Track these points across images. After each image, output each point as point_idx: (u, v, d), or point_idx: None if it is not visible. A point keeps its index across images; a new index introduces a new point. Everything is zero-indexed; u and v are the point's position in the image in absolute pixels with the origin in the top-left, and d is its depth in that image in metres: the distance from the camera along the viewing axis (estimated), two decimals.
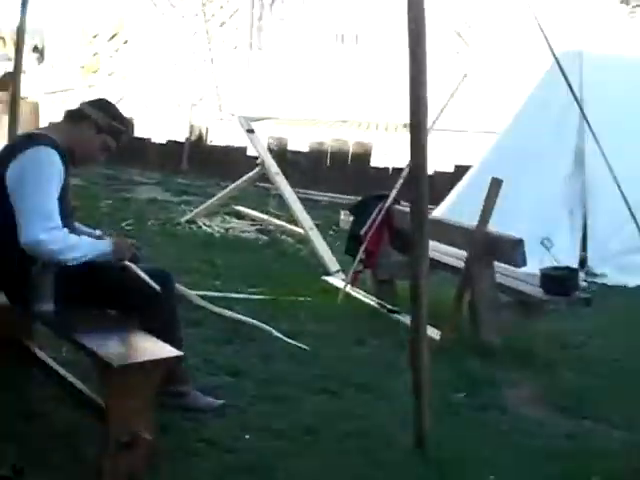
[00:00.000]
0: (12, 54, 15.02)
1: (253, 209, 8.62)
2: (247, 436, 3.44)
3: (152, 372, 2.92)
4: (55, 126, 3.65)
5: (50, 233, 3.17)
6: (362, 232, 5.80)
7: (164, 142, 10.93)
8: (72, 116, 3.53)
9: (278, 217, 8.32)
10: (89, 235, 3.52)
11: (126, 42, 16.65)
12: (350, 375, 4.24)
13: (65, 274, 3.30)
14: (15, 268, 3.31)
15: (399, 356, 4.22)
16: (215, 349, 4.47)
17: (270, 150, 10.22)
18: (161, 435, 3.30)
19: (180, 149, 10.74)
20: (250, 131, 8.02)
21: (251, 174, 8.13)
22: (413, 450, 3.38)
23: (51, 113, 11.51)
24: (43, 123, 11.44)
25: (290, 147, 10.51)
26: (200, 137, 10.80)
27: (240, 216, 8.44)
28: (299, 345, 4.63)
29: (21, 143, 3.38)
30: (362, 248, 5.76)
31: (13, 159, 3.29)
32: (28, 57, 15.03)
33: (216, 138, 10.86)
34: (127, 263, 3.44)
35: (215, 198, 8.34)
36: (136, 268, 3.41)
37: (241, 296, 5.57)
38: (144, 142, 10.88)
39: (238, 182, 8.32)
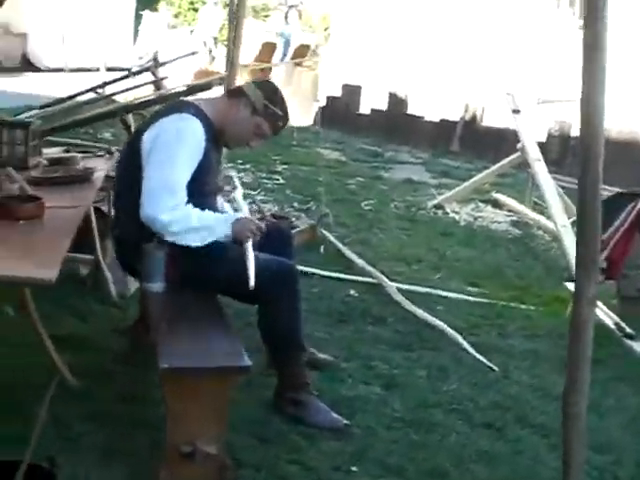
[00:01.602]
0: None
1: (515, 198, 7.75)
2: (354, 468, 2.84)
3: (214, 380, 2.43)
4: (211, 99, 3.37)
5: (171, 213, 2.88)
6: (605, 236, 4.81)
7: (437, 120, 10.34)
8: (231, 92, 3.23)
9: (539, 210, 7.38)
10: None
11: None
12: (528, 412, 3.42)
13: (181, 253, 2.97)
14: (132, 241, 3.03)
15: (610, 394, 3.39)
16: (383, 354, 3.89)
17: (551, 135, 9.25)
18: (257, 446, 2.84)
19: (453, 128, 10.08)
20: (516, 111, 7.19)
21: (510, 159, 7.29)
22: None
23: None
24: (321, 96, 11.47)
25: (574, 133, 9.35)
26: (474, 117, 10.05)
27: (497, 205, 7.62)
28: (487, 363, 3.87)
29: (166, 109, 3.13)
30: (603, 255, 4.77)
31: (153, 124, 3.03)
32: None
33: (493, 118, 10.02)
34: (247, 247, 3.00)
35: (468, 183, 7.62)
36: (250, 257, 2.94)
37: (450, 295, 4.89)
38: (416, 120, 10.38)
39: (494, 167, 7.53)
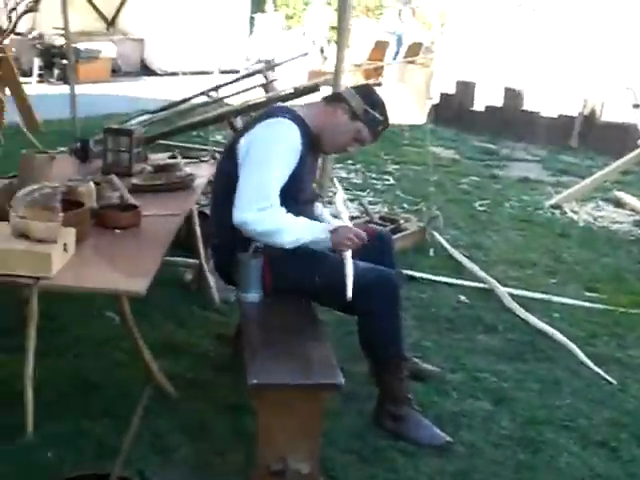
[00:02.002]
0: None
1: (638, 197, 7.32)
2: None
3: (305, 397, 2.33)
4: (310, 104, 3.29)
5: (258, 214, 2.78)
6: None
7: (555, 116, 9.92)
8: (329, 98, 3.14)
9: None
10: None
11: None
12: None
13: (277, 262, 2.89)
14: (228, 249, 2.98)
15: None
16: (492, 365, 3.69)
17: None
18: (354, 463, 2.74)
19: (571, 124, 9.64)
20: (637, 106, 6.80)
21: (633, 154, 6.90)
22: None
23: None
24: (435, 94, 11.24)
25: None
26: (593, 112, 9.57)
27: (619, 204, 7.22)
28: (604, 376, 3.62)
29: (263, 114, 3.08)
30: None
31: (249, 130, 2.98)
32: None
33: (612, 113, 9.53)
34: (345, 256, 2.89)
35: (588, 181, 7.25)
36: (349, 266, 2.83)
37: (566, 301, 4.62)
38: (533, 115, 9.99)
39: (616, 163, 7.13)
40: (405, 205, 6.69)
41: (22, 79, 14.02)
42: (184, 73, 13.29)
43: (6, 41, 12.85)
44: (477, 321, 4.23)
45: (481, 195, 7.22)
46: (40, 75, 13.48)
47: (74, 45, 14.17)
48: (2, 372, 3.19)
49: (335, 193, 3.61)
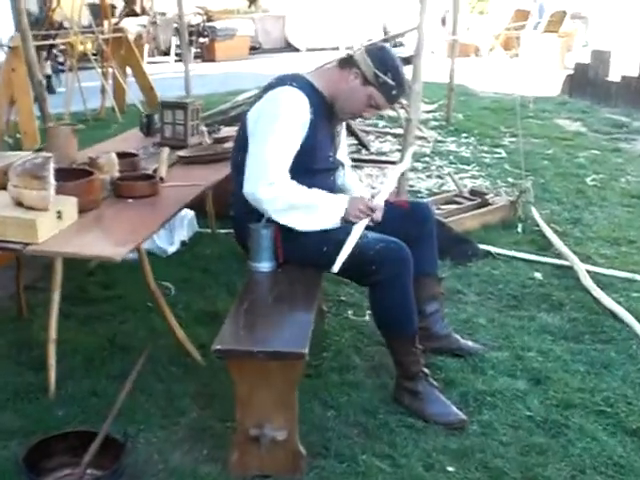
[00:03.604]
0: None
1: None
2: (450, 468, 2.58)
3: (275, 365, 2.32)
4: (323, 70, 3.21)
5: (269, 190, 2.79)
6: None
7: None
8: (342, 62, 3.04)
9: None
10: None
11: None
12: None
13: (288, 232, 2.88)
14: (243, 221, 3.00)
15: None
16: (543, 344, 3.51)
17: None
18: (352, 437, 2.71)
19: None
20: None
21: None
22: None
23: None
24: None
25: None
26: None
27: None
28: None
29: (270, 84, 3.02)
30: None
31: (257, 101, 2.96)
32: None
33: None
34: (354, 228, 2.84)
35: None
36: (351, 238, 2.76)
37: None
38: None
39: None
40: (510, 179, 6.44)
41: (160, 58, 14.79)
42: (323, 49, 13.39)
43: (142, 21, 13.48)
44: (543, 299, 4.02)
45: (597, 169, 6.82)
46: (178, 54, 13.99)
47: (210, 24, 14.68)
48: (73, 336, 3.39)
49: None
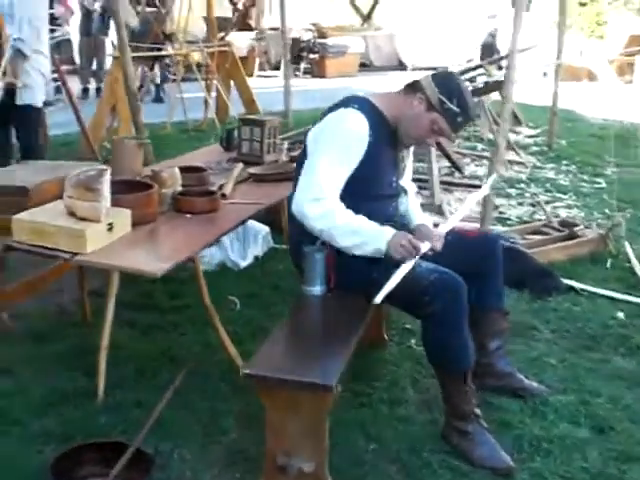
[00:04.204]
0: None
1: None
2: None
3: (305, 395, 2.25)
4: (388, 93, 3.12)
5: (314, 206, 2.74)
6: None
7: None
8: (408, 87, 2.98)
9: None
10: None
11: None
12: None
13: (344, 256, 2.83)
14: (297, 240, 2.97)
15: None
16: (614, 390, 3.30)
17: None
18: (392, 476, 2.61)
19: None
20: None
21: None
22: None
23: None
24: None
25: None
26: None
27: None
28: None
29: (335, 104, 2.98)
30: None
31: (320, 121, 2.94)
32: None
33: None
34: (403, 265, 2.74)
35: None
36: (397, 274, 2.66)
37: None
38: None
39: None
40: (607, 211, 6.16)
41: (271, 72, 15.00)
42: (429, 68, 13.27)
43: (255, 35, 13.69)
44: (622, 341, 3.80)
45: None
46: None
47: (322, 40, 14.81)
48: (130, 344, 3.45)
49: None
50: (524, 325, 3.93)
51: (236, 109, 9.18)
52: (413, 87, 2.90)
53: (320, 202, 2.73)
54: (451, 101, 2.81)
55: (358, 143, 2.79)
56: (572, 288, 4.44)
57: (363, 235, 2.76)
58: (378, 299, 2.57)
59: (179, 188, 3.08)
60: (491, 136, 7.79)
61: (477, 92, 6.13)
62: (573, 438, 2.93)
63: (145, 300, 3.96)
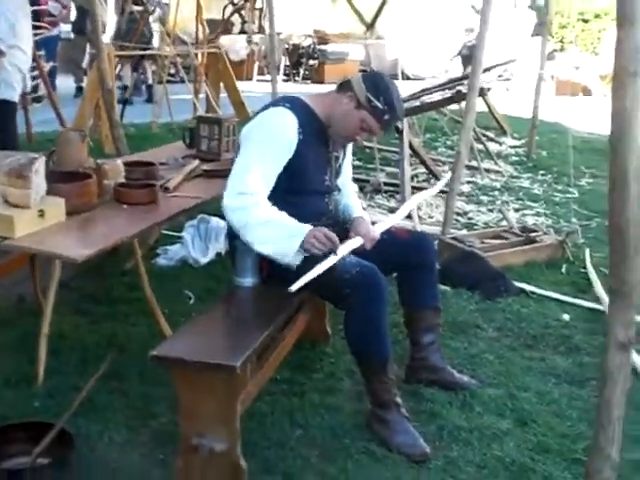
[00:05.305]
0: None
1: None
2: None
3: (213, 376, 2.36)
4: (322, 93, 3.25)
5: (236, 199, 2.81)
6: None
7: None
8: (339, 86, 3.10)
9: None
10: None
11: None
12: None
13: None
14: (230, 235, 3.09)
15: None
16: (544, 387, 3.41)
17: None
18: (308, 458, 2.73)
19: None
20: None
21: None
22: None
23: None
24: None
25: None
26: None
27: None
28: None
29: (268, 103, 3.12)
30: None
31: (251, 119, 3.05)
32: None
33: None
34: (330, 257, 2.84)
35: None
36: (325, 262, 2.75)
37: None
38: None
39: None
40: (574, 219, 6.24)
41: (269, 77, 15.10)
42: (433, 77, 13.38)
43: (256, 39, 13.81)
44: (562, 341, 3.90)
45: None
46: (287, 74, 14.25)
47: (322, 47, 14.93)
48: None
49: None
50: (469, 324, 4.04)
51: (225, 111, 9.30)
52: (344, 86, 3.02)
53: (244, 196, 2.80)
54: (378, 99, 2.92)
55: (286, 140, 2.89)
56: (523, 291, 4.55)
57: (280, 229, 2.80)
58: (294, 287, 2.66)
59: (121, 180, 3.21)
60: (479, 146, 7.93)
61: (446, 102, 6.24)
62: (494, 429, 3.03)
63: (107, 292, 4.08)
